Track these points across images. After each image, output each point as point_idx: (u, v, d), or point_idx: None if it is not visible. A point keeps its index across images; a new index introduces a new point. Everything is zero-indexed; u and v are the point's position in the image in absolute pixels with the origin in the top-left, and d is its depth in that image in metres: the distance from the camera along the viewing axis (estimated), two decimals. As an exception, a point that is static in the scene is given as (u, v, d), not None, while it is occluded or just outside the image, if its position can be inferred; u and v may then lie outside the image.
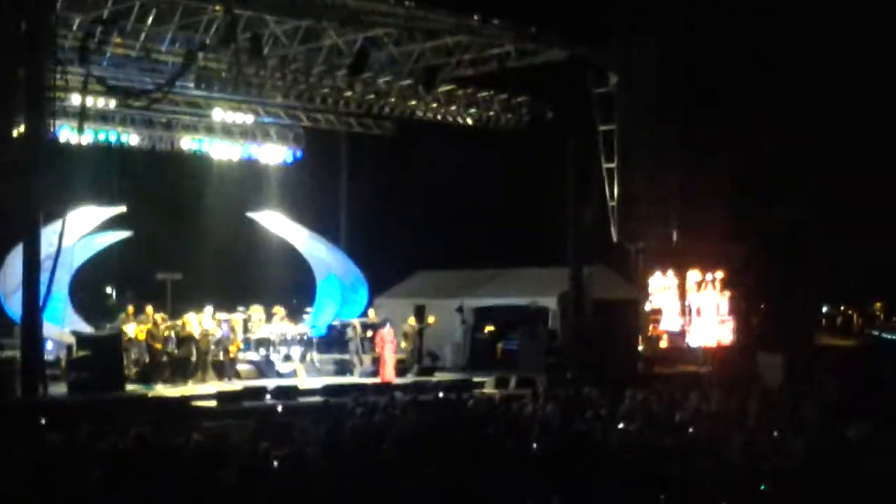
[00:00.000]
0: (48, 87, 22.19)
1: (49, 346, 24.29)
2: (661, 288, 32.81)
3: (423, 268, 32.90)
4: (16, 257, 23.12)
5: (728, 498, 11.47)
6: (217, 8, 24.50)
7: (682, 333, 32.50)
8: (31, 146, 22.21)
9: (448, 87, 29.76)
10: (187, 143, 32.19)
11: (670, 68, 30.96)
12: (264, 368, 26.96)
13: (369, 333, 28.04)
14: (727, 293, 32.33)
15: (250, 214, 31.02)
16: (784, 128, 30.48)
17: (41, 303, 21.57)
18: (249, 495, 11.35)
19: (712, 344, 31.89)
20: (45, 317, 22.25)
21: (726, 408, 18.06)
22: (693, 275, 32.77)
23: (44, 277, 21.69)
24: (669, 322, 32.56)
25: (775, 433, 14.86)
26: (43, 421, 15.79)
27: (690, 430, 15.49)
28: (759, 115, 30.54)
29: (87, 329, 25.57)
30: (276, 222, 31.04)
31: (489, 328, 30.39)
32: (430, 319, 28.94)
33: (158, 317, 25.88)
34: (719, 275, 32.54)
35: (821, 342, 31.11)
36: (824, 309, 35.22)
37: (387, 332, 26.93)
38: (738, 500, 11.47)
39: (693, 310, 32.60)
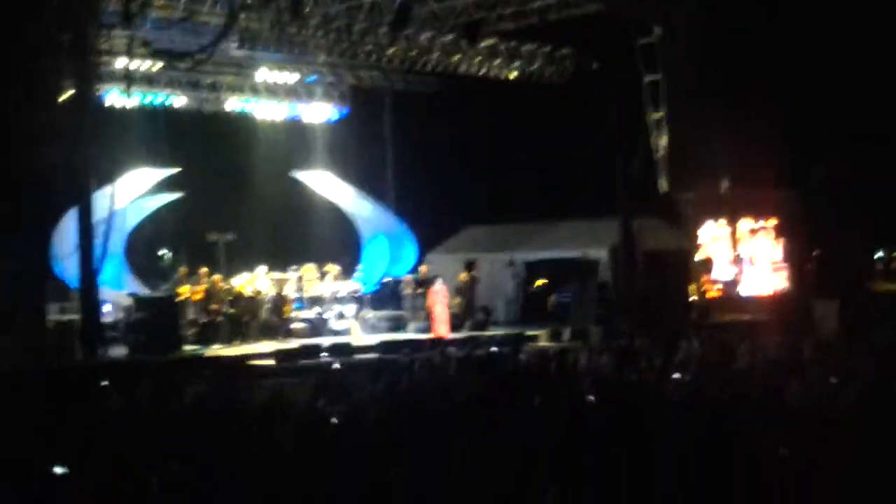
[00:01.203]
0: (93, 51, 22.32)
1: (107, 308, 24.58)
2: (712, 237, 32.60)
3: (471, 223, 32.90)
4: (68, 222, 23.33)
5: (785, 445, 11.43)
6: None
7: (735, 282, 32.33)
8: (78, 111, 22.38)
9: (490, 42, 29.60)
10: (233, 103, 32.26)
11: (714, 17, 30.61)
12: (318, 326, 27.17)
13: (421, 290, 28.14)
14: (780, 241, 32.10)
15: (296, 174, 31.13)
16: (835, 73, 30.02)
17: (97, 266, 21.77)
18: (309, 452, 11.44)
19: (767, 292, 31.70)
20: (102, 279, 22.48)
21: (781, 356, 17.99)
22: (745, 223, 32.55)
23: (98, 241, 21.90)
24: (722, 271, 32.39)
25: (831, 380, 14.79)
26: (103, 383, 15.94)
27: (745, 378, 15.45)
28: (808, 60, 30.12)
29: (143, 291, 25.85)
30: (322, 181, 31.15)
31: (540, 281, 30.38)
32: (463, 276, 29.02)
33: (213, 278, 26.12)
34: (772, 222, 32.30)
35: (876, 288, 30.81)
36: (879, 254, 34.83)
37: (439, 287, 27.01)
38: (795, 447, 11.43)
39: (746, 258, 32.41)
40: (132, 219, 27.42)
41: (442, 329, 26.60)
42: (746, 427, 11.93)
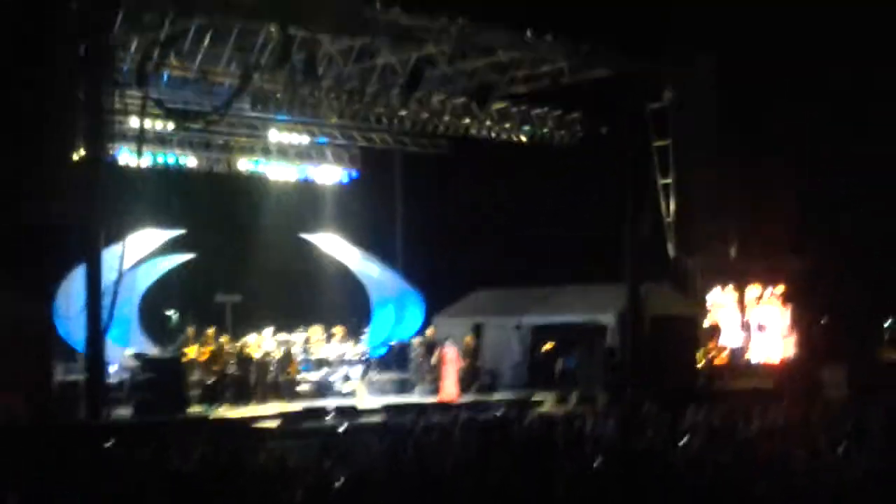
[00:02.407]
0: (107, 110, 22.44)
1: (112, 368, 24.53)
2: (719, 303, 32.61)
3: (480, 286, 32.90)
4: (74, 280, 23.34)
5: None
6: (272, 28, 24.66)
7: (743, 349, 32.27)
8: (90, 169, 22.45)
9: (502, 105, 29.73)
10: (244, 164, 32.39)
11: (727, 83, 30.76)
12: (324, 388, 27.11)
13: (428, 353, 28.10)
14: (788, 307, 32.06)
15: (305, 236, 31.19)
16: (845, 142, 30.12)
17: (104, 326, 21.75)
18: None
19: (775, 359, 31.62)
20: (109, 337, 22.45)
21: (789, 422, 17.90)
22: (752, 290, 32.53)
23: (105, 301, 21.88)
24: (730, 337, 32.34)
25: (840, 447, 14.70)
26: (108, 444, 15.88)
27: (753, 445, 15.36)
28: (820, 127, 30.21)
29: (150, 350, 25.83)
30: (330, 243, 31.21)
31: (548, 346, 30.29)
32: (468, 340, 29.02)
33: (220, 339, 26.11)
34: (779, 289, 32.29)
35: (884, 357, 30.72)
36: (887, 323, 34.74)
37: (448, 350, 26.95)
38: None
39: (753, 325, 32.36)
40: (144, 280, 27.48)
41: (450, 392, 26.51)
42: (753, 494, 11.87)
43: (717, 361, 30.84)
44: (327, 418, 22.59)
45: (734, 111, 31.02)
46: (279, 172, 32.93)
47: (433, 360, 27.87)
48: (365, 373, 28.02)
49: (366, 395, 26.63)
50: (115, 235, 23.00)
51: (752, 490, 12.09)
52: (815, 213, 30.27)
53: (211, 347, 25.77)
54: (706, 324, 31.86)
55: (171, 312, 27.51)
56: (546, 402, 25.83)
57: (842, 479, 12.29)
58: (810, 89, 30.23)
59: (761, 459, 14.02)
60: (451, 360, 26.88)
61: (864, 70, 29.39)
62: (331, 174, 34.05)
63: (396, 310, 30.26)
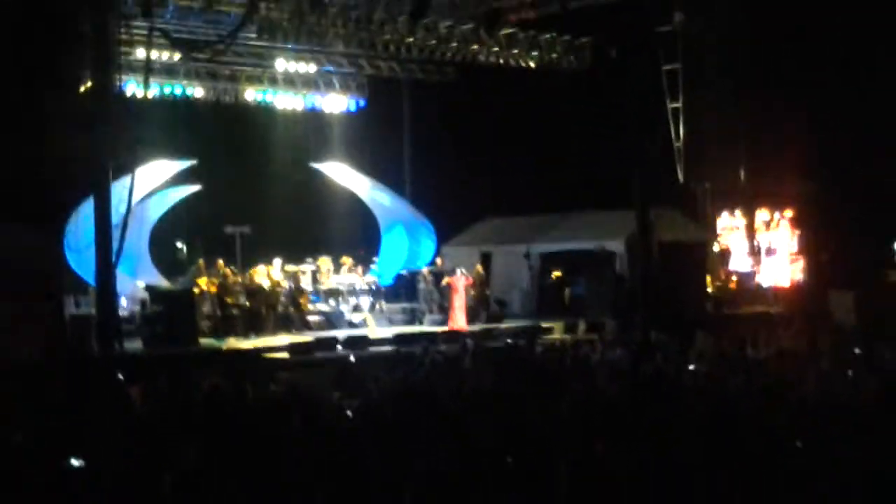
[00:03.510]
0: (113, 42, 22.32)
1: (123, 302, 24.62)
2: (729, 228, 32.58)
3: (488, 214, 32.87)
4: (84, 213, 23.36)
5: (802, 436, 11.42)
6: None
7: (752, 274, 32.29)
8: (98, 101, 22.40)
9: (509, 31, 29.51)
10: (251, 94, 32.25)
11: (737, 6, 30.52)
12: (334, 319, 27.21)
13: (441, 281, 28.16)
14: (797, 232, 32.03)
15: (315, 165, 31.14)
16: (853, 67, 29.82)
17: (114, 259, 21.79)
18: (324, 445, 11.47)
19: (784, 283, 31.64)
20: (120, 269, 22.49)
21: (797, 347, 17.97)
22: (762, 214, 32.48)
23: (115, 233, 21.91)
24: (739, 262, 32.35)
25: (848, 372, 14.77)
26: (120, 375, 15.99)
27: (761, 369, 15.43)
28: (829, 52, 29.90)
29: (162, 283, 25.90)
30: (340, 172, 31.16)
31: (556, 273, 30.32)
32: (479, 268, 29.05)
33: (229, 270, 26.16)
34: (788, 213, 32.24)
35: (892, 279, 30.70)
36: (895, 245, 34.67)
37: (458, 279, 26.99)
38: (812, 439, 11.41)
39: (762, 249, 32.36)
40: (153, 212, 27.48)
41: (459, 320, 26.59)
42: (763, 419, 11.93)
43: (726, 286, 30.87)
44: (337, 348, 22.70)
45: (744, 32, 30.78)
46: (286, 102, 32.78)
47: (443, 288, 27.94)
48: (374, 303, 28.11)
49: (375, 325, 26.74)
50: (124, 167, 22.98)
51: (761, 413, 12.16)
52: (824, 136, 30.05)
53: (220, 279, 25.83)
54: (715, 249, 31.86)
55: (180, 244, 27.56)
56: (555, 329, 25.92)
57: (851, 403, 12.35)
58: (824, 18, 29.83)
59: (771, 383, 14.09)
60: (461, 289, 26.94)
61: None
62: (338, 103, 33.87)
63: (409, 239, 30.25)
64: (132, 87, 27.60)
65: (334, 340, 23.40)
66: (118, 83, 22.95)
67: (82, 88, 22.79)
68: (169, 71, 29.95)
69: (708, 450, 10.79)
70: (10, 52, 21.55)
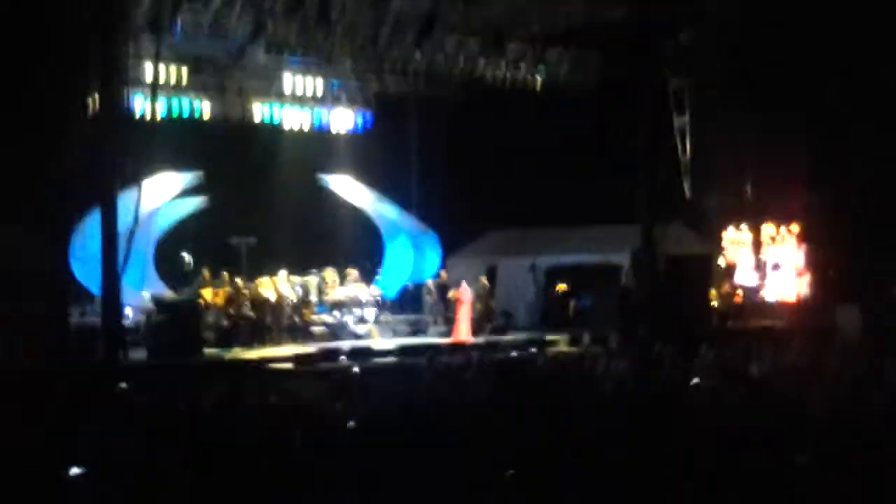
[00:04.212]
0: (121, 58, 22.43)
1: (129, 312, 24.66)
2: (735, 242, 32.56)
3: (493, 227, 32.89)
4: (90, 224, 23.42)
5: (807, 452, 11.40)
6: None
7: (758, 288, 32.26)
8: (105, 117, 22.49)
9: (517, 47, 29.57)
10: (259, 110, 32.31)
11: (745, 20, 30.56)
12: (339, 330, 27.23)
13: (446, 293, 28.20)
14: (803, 246, 32.00)
15: (321, 176, 31.22)
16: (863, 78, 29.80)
17: (119, 269, 21.86)
18: (326, 455, 11.49)
19: (790, 298, 31.60)
20: (125, 280, 22.55)
21: (804, 362, 17.92)
22: (768, 228, 32.46)
23: (122, 245, 21.98)
24: (744, 277, 32.32)
25: (855, 387, 14.71)
26: (124, 385, 16.02)
27: (765, 384, 15.40)
28: (842, 70, 29.88)
29: (165, 293, 25.94)
30: (346, 186, 31.21)
31: (561, 286, 30.32)
32: (483, 281, 29.06)
33: (235, 281, 26.21)
34: (794, 228, 32.22)
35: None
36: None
37: (463, 291, 27.02)
38: (816, 454, 11.40)
39: (768, 264, 32.33)
40: (160, 224, 27.52)
41: (464, 333, 26.62)
42: (766, 433, 11.90)
43: (731, 300, 30.83)
44: (342, 359, 22.73)
45: (750, 48, 30.81)
46: (293, 118, 32.82)
47: (448, 300, 27.98)
48: (379, 314, 28.15)
49: (380, 336, 26.76)
50: (131, 181, 23.06)
51: (765, 428, 12.14)
52: (831, 151, 30.06)
53: (226, 290, 25.88)
54: (721, 263, 31.84)
55: (186, 255, 27.60)
56: (560, 342, 25.92)
57: (857, 419, 12.31)
58: (829, 31, 29.84)
59: (774, 398, 14.06)
60: (466, 302, 26.97)
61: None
62: (345, 119, 33.93)
63: (414, 251, 30.28)
64: (139, 103, 27.71)
65: (338, 351, 23.43)
66: (126, 98, 23.08)
67: (90, 102, 22.87)
68: (176, 86, 30.02)
69: (711, 464, 10.78)
70: (19, 67, 21.62)
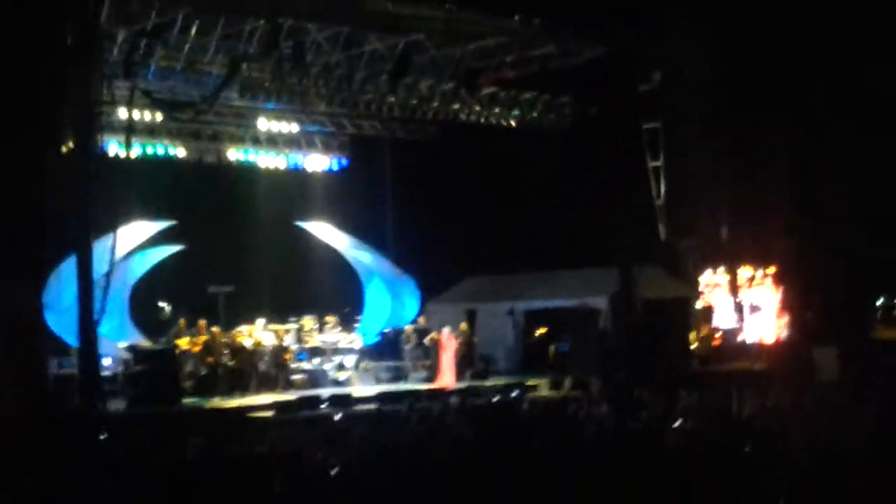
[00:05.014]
0: (95, 102, 22.36)
1: (106, 361, 24.47)
2: (712, 285, 32.63)
3: (472, 272, 32.87)
4: (64, 273, 23.26)
5: (787, 494, 11.38)
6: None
7: (737, 330, 32.31)
8: (79, 161, 22.38)
9: (490, 90, 29.69)
10: (234, 154, 32.30)
11: (718, 63, 30.76)
12: (318, 378, 27.10)
13: (425, 339, 28.13)
14: (780, 288, 32.08)
15: (299, 223, 31.15)
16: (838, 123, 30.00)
17: (96, 318, 21.68)
18: (309, 502, 11.39)
19: (769, 340, 31.65)
20: (102, 331, 22.39)
21: (783, 403, 17.92)
22: (744, 271, 32.55)
23: (98, 294, 21.81)
24: (722, 319, 32.38)
25: (834, 426, 14.71)
26: (102, 436, 15.87)
27: (746, 426, 15.37)
28: (813, 113, 30.08)
29: (142, 343, 25.78)
30: (323, 231, 31.18)
31: (541, 331, 30.30)
32: (463, 326, 29.02)
33: (212, 330, 26.07)
34: (771, 270, 32.31)
35: (878, 335, 30.76)
36: (880, 301, 34.77)
37: (444, 336, 26.98)
38: (798, 496, 11.37)
39: (747, 306, 32.40)
40: (135, 272, 27.41)
41: (447, 378, 26.54)
42: (747, 476, 11.88)
43: (709, 343, 30.86)
44: (322, 407, 22.60)
45: (724, 91, 31.01)
46: (269, 161, 32.85)
47: (428, 346, 27.90)
48: (359, 361, 28.03)
49: (359, 383, 26.64)
50: (106, 227, 22.93)
51: (747, 470, 12.11)
52: (806, 193, 30.21)
53: (204, 338, 25.74)
54: (699, 306, 31.89)
55: (163, 304, 27.46)
56: (540, 387, 25.85)
57: (837, 458, 12.29)
58: (804, 71, 30.05)
59: (754, 440, 14.03)
60: (450, 348, 26.92)
61: (862, 54, 29.20)
62: (320, 162, 33.98)
63: (392, 297, 30.24)
64: (114, 147, 27.66)
65: (319, 399, 23.30)
66: (100, 143, 22.99)
67: (64, 148, 22.77)
68: (151, 130, 29.99)
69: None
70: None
